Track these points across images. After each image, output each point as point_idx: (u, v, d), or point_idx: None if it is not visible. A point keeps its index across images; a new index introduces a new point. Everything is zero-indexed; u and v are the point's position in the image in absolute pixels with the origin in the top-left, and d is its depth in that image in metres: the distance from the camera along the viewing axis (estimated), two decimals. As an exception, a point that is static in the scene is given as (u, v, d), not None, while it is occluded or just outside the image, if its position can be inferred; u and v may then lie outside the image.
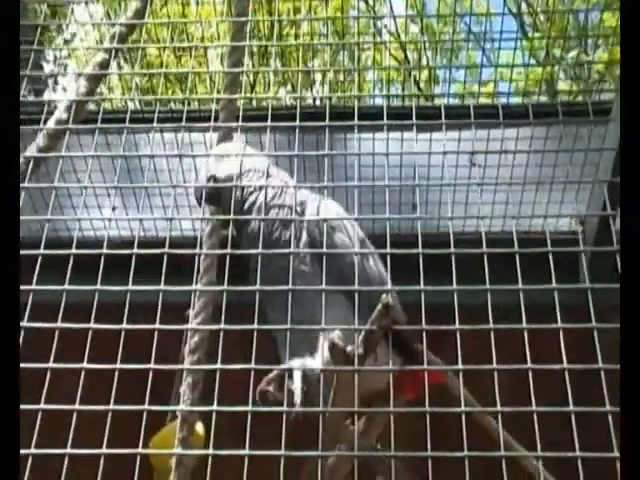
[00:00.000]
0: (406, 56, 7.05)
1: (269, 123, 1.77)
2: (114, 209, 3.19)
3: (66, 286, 1.57)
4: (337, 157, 2.98)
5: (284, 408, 1.38)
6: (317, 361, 1.85)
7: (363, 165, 2.89)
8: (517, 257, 1.46)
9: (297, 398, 1.79)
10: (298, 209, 2.16)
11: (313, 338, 1.91)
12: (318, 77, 7.30)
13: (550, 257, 1.48)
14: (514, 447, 2.03)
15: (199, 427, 2.43)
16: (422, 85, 7.03)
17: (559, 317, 1.41)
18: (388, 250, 1.43)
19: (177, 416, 2.25)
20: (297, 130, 1.72)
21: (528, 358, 1.37)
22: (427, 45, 5.17)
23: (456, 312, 1.41)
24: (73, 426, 1.46)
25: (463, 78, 4.46)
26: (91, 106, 2.99)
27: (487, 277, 1.44)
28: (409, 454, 1.35)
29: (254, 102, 5.60)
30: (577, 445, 1.30)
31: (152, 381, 1.54)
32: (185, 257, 1.85)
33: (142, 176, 3.08)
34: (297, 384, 1.82)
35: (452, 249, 1.43)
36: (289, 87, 7.12)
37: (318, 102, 6.98)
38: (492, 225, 2.93)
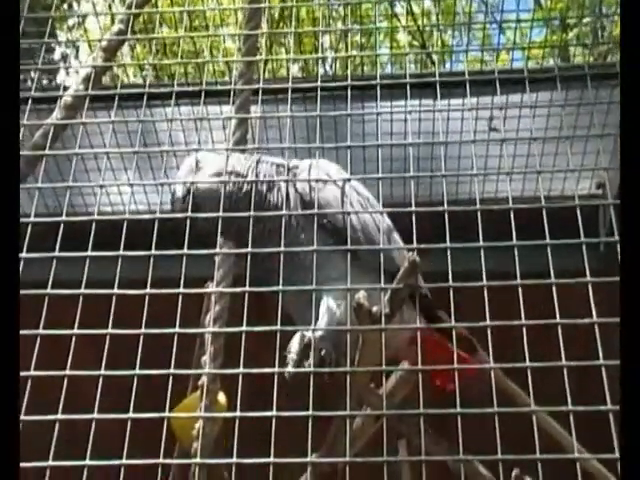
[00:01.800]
0: (419, 28, 6.98)
1: (290, 84, 1.74)
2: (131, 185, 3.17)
3: (89, 252, 1.57)
4: (355, 127, 2.96)
5: (311, 368, 1.37)
6: (323, 321, 1.84)
7: (382, 133, 2.87)
8: (544, 211, 1.43)
9: (290, 362, 1.78)
10: (291, 173, 2.09)
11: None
12: (329, 53, 7.24)
13: (578, 213, 1.45)
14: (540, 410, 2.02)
15: (221, 397, 2.43)
16: (434, 57, 6.96)
17: (587, 272, 1.39)
18: (413, 209, 1.41)
19: (199, 387, 2.25)
20: (318, 90, 1.69)
21: (557, 312, 1.36)
22: (440, 17, 5.12)
23: (483, 271, 1.39)
24: (99, 394, 1.46)
25: (477, 48, 4.42)
26: (106, 81, 2.99)
27: (514, 235, 1.42)
28: (438, 412, 1.35)
29: (267, 74, 5.57)
30: (608, 399, 1.29)
31: (171, 354, 1.54)
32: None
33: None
34: (294, 348, 1.80)
35: (478, 206, 1.42)
36: (301, 63, 7.08)
37: (331, 73, 6.95)
38: (512, 190, 2.89)
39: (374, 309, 1.47)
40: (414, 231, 1.43)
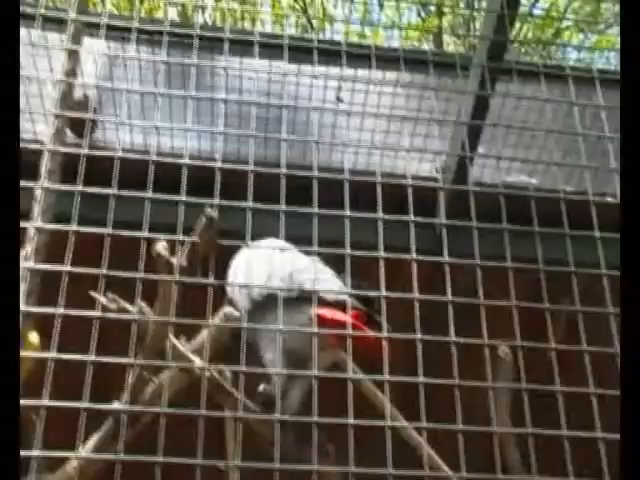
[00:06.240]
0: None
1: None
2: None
3: None
4: (204, 80, 2.89)
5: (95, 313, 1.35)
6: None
7: (230, 90, 2.83)
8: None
9: None
10: None
11: None
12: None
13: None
14: (397, 417, 2.14)
15: (33, 336, 2.35)
16: (315, 22, 6.98)
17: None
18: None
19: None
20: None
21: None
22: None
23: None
24: None
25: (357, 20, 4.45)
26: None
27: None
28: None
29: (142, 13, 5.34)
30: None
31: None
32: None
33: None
34: None
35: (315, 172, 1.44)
36: (179, 8, 6.86)
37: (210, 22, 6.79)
38: (358, 163, 2.97)
39: (173, 260, 1.46)
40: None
